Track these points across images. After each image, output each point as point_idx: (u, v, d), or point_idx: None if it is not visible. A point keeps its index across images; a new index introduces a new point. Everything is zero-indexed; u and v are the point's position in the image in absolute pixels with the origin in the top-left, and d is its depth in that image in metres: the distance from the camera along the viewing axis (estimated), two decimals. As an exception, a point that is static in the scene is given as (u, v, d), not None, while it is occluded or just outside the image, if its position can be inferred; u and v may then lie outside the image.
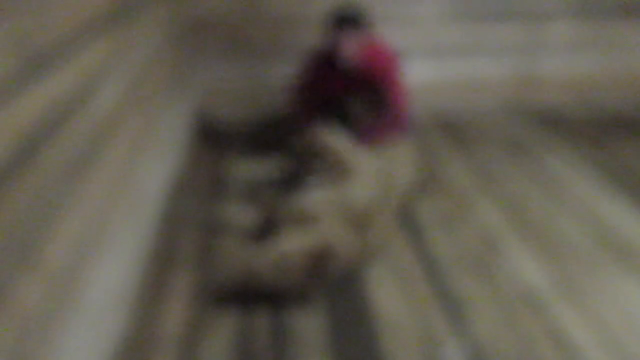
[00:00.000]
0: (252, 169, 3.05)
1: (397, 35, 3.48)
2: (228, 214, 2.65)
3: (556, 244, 2.38)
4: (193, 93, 3.60)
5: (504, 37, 3.69)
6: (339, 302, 2.09)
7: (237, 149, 3.30)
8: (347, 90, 3.01)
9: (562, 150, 3.23)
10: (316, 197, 2.34)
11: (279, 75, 3.57)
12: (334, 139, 2.67)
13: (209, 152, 3.26)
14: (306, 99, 3.10)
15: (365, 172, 2.48)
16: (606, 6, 3.69)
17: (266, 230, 2.46)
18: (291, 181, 2.86)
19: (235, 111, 3.67)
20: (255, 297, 2.12)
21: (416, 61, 3.63)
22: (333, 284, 2.17)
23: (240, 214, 2.64)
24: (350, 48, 2.87)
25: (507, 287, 2.14)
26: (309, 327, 1.98)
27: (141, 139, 2.34)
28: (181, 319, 2.00)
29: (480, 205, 2.66)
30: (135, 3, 2.35)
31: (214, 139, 3.44)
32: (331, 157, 2.57)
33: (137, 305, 2.06)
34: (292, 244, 2.12)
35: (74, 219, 1.56)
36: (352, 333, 1.95)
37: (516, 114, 3.79)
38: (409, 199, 2.70)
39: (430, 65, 3.70)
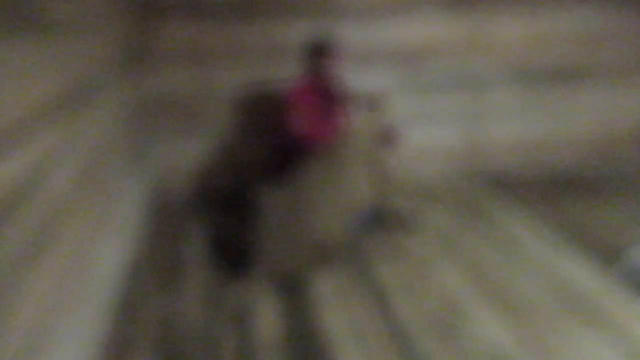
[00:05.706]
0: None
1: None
2: None
3: (517, 303, 2.39)
4: (150, 172, 3.58)
5: (452, 106, 3.82)
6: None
7: (197, 224, 3.29)
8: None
9: (515, 210, 3.31)
10: None
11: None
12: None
13: (168, 230, 3.22)
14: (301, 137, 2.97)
15: None
16: (545, 73, 3.89)
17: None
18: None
19: (192, 187, 3.69)
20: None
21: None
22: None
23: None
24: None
25: (474, 349, 2.12)
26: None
27: (96, 223, 2.24)
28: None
29: (440, 270, 2.68)
30: (88, 86, 2.34)
31: (172, 216, 3.41)
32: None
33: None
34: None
35: (24, 308, 1.49)
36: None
37: (469, 178, 3.89)
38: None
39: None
